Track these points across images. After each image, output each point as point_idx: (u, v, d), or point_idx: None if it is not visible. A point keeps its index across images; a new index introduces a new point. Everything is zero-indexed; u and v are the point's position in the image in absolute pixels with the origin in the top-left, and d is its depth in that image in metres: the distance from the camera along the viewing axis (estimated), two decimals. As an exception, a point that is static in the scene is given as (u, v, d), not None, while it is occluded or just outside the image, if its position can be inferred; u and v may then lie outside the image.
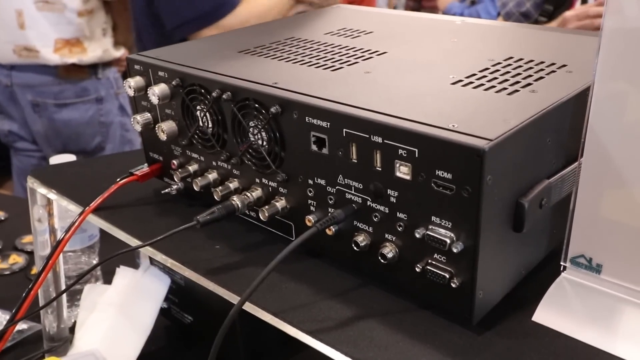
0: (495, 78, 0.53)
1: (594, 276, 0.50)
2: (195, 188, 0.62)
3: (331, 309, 0.50)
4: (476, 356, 0.45)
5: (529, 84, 0.51)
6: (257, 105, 0.54)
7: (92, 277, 0.93)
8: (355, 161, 0.49)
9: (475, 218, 0.43)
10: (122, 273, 0.83)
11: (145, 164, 0.71)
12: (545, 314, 0.50)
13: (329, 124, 0.49)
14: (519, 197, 0.46)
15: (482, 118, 0.45)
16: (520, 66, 0.56)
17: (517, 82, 0.52)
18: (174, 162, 0.66)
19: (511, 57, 0.59)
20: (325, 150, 0.51)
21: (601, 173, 0.47)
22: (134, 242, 0.62)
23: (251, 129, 0.56)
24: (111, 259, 0.59)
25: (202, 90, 0.59)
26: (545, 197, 0.48)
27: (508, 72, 0.55)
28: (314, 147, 0.51)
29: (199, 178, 0.62)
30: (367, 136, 0.47)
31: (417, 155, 0.44)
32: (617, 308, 0.48)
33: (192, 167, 0.64)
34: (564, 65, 0.56)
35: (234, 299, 0.52)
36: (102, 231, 0.94)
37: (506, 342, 0.47)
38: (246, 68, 0.60)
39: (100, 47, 1.76)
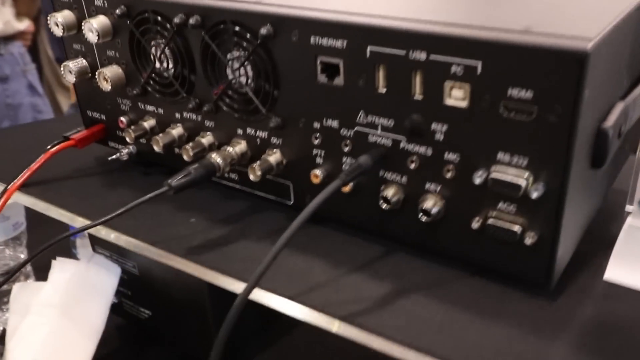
0: (538, -18, 0.42)
1: (671, 219, 0.41)
2: (156, 148, 0.48)
3: (358, 287, 0.39)
4: (562, 329, 0.35)
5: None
6: (238, 29, 0.41)
7: (21, 275, 0.77)
8: (384, 91, 0.37)
9: (566, 149, 0.32)
10: (60, 266, 0.68)
11: (83, 127, 0.56)
12: (620, 271, 0.40)
13: (345, 42, 0.37)
14: (600, 122, 0.36)
15: (559, 16, 0.34)
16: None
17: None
18: (122, 119, 0.52)
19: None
20: (338, 81, 0.38)
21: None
22: (79, 222, 0.47)
23: (230, 63, 0.43)
24: (52, 245, 0.45)
25: (158, 18, 0.45)
26: (622, 123, 0.38)
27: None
28: (323, 78, 0.39)
29: (160, 135, 0.48)
30: (404, 53, 0.35)
31: (479, 72, 0.33)
32: None
33: (148, 123, 0.50)
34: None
35: (229, 284, 0.40)
36: (28, 219, 0.78)
37: (588, 309, 0.37)
38: (214, -13, 0.46)
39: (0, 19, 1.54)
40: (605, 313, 0.37)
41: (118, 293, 0.71)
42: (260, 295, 0.38)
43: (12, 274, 0.46)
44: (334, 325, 0.36)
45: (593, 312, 0.37)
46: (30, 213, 0.77)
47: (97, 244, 0.68)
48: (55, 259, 0.68)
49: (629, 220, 0.42)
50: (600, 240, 0.43)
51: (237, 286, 0.39)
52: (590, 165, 0.36)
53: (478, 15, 0.36)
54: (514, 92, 0.32)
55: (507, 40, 0.31)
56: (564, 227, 0.35)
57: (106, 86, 0.49)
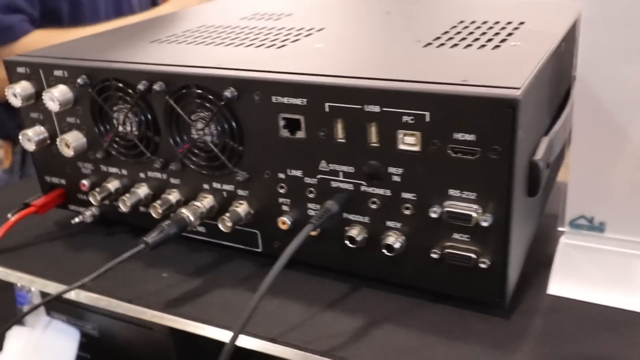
0: (465, 38, 0.48)
1: (598, 236, 0.47)
2: (123, 209, 0.50)
3: (335, 322, 0.42)
4: (520, 342, 0.39)
5: (505, 40, 0.47)
6: (202, 92, 0.44)
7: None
8: (343, 141, 0.41)
9: (507, 183, 0.37)
10: (16, 335, 0.67)
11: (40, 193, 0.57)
12: (561, 285, 0.46)
13: (306, 100, 0.41)
14: (531, 157, 0.41)
15: (489, 70, 0.40)
16: (479, 27, 0.52)
17: (491, 40, 0.47)
18: (85, 182, 0.53)
19: (462, 21, 0.54)
20: (300, 134, 0.42)
21: (594, 124, 0.44)
22: (51, 287, 0.48)
23: (195, 124, 0.46)
24: (25, 315, 0.45)
25: (121, 85, 0.47)
26: (549, 155, 0.44)
27: (472, 32, 0.50)
28: (285, 133, 0.43)
29: (127, 195, 0.50)
30: (359, 107, 0.39)
31: (428, 120, 0.37)
32: (630, 264, 0.45)
33: (112, 185, 0.52)
34: (522, 23, 0.52)
35: (213, 333, 0.42)
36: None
37: (539, 322, 0.42)
38: (173, 54, 0.50)
39: None
40: (553, 323, 0.41)
41: (77, 358, 0.70)
42: (245, 340, 0.40)
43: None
44: (317, 361, 0.39)
45: (543, 323, 0.41)
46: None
47: (53, 308, 0.67)
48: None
49: (562, 239, 0.48)
50: (538, 260, 0.48)
51: (221, 334, 0.41)
52: (527, 194, 0.41)
53: (421, 69, 0.41)
54: (459, 135, 0.37)
55: (451, 92, 0.36)
56: (512, 250, 0.39)
57: (68, 152, 0.51)
